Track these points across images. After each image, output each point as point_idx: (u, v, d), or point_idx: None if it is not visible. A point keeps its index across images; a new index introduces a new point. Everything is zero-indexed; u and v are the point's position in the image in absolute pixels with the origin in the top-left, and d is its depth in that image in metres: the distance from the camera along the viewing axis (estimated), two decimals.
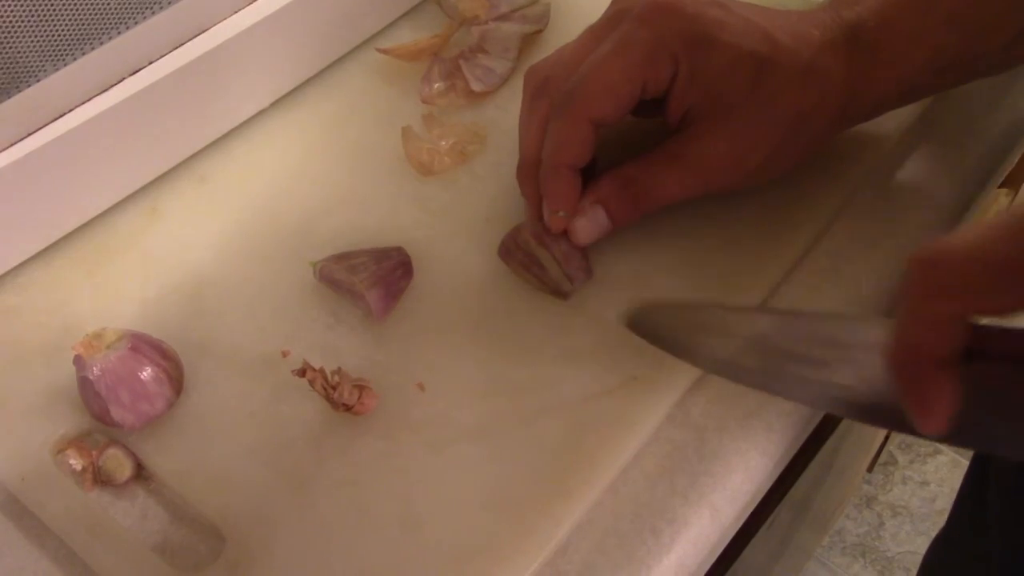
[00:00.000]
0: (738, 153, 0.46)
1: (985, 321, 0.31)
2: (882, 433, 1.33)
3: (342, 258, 0.49)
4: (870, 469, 1.51)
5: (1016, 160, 0.60)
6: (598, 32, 0.47)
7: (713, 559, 0.46)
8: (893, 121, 0.55)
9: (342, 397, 0.44)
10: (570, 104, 0.44)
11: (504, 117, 0.57)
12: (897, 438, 1.56)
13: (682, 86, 0.45)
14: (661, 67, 0.44)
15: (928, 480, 1.55)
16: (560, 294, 0.48)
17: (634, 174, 0.46)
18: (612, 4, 0.47)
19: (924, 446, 1.59)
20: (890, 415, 0.36)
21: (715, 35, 0.44)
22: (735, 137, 0.45)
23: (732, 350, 0.42)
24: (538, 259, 0.48)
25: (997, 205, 1.03)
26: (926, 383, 0.32)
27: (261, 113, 0.58)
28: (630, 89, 0.44)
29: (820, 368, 0.38)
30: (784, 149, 0.46)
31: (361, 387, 0.45)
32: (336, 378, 0.44)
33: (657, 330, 0.45)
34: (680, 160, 0.46)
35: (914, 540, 1.48)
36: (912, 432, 0.35)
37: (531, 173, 0.48)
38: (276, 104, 0.58)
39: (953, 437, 0.34)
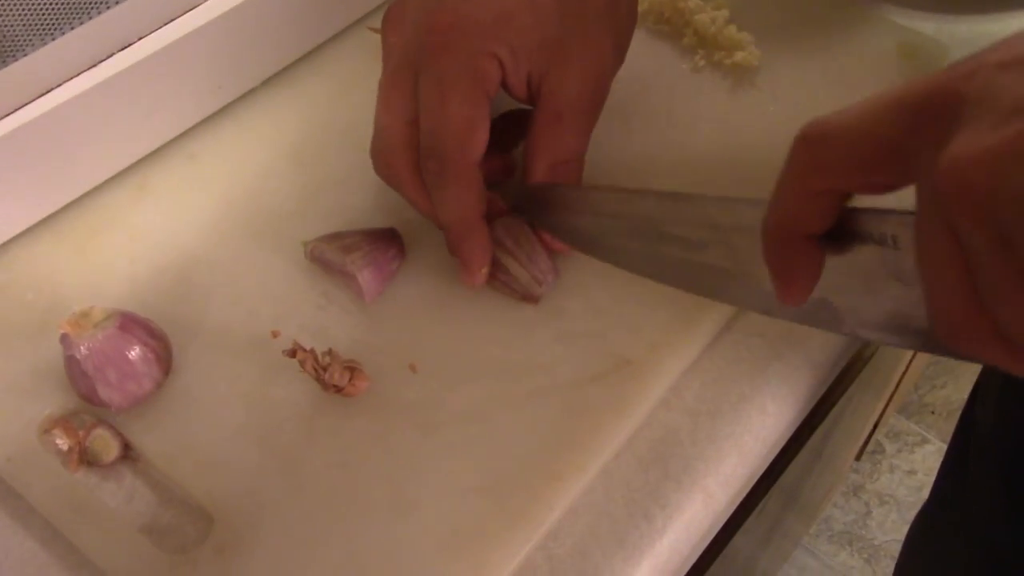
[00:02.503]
0: (595, 69, 0.46)
1: (857, 201, 0.32)
2: (871, 422, 1.33)
3: (334, 238, 0.48)
4: (858, 458, 1.52)
5: None
6: (400, 86, 0.45)
7: (706, 544, 0.46)
8: None
9: (333, 379, 0.43)
10: (448, 164, 0.44)
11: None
12: (885, 427, 1.56)
13: (511, 67, 0.45)
14: (491, 72, 0.44)
15: (915, 469, 1.55)
16: (530, 299, 0.47)
17: (548, 157, 0.46)
18: (386, 50, 0.47)
19: (912, 436, 1.59)
20: (761, 299, 0.37)
21: (499, 8, 0.43)
22: (582, 59, 0.45)
23: (615, 233, 0.42)
24: (504, 266, 0.47)
25: None
26: (795, 255, 0.33)
27: (252, 91, 0.57)
28: (483, 112, 0.44)
29: (697, 250, 0.39)
30: (619, 28, 0.47)
31: (352, 368, 0.44)
32: (327, 359, 0.44)
33: (535, 209, 0.46)
34: (562, 115, 0.46)
35: (901, 528, 1.49)
36: (772, 314, 0.36)
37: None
38: (267, 83, 0.57)
39: (809, 314, 0.35)
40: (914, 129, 0.29)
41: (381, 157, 0.47)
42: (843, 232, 0.33)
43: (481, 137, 0.44)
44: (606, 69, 0.47)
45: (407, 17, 0.45)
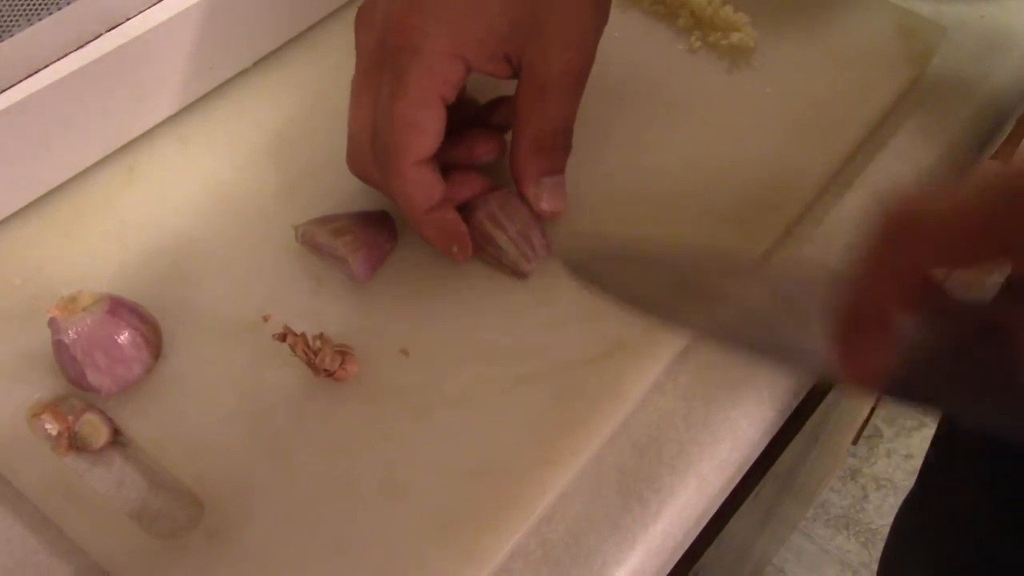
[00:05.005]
0: (576, 35, 0.45)
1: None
2: (868, 406, 1.33)
3: (325, 221, 0.48)
4: (855, 442, 1.52)
5: (1008, 132, 0.59)
6: (369, 89, 0.45)
7: (700, 528, 0.45)
8: (885, 91, 0.54)
9: (324, 363, 0.43)
10: (388, 163, 0.44)
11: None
12: (882, 411, 1.56)
13: (482, 60, 0.44)
14: (450, 75, 0.43)
15: (912, 453, 1.55)
16: (519, 274, 0.47)
17: (534, 129, 0.46)
18: (357, 51, 0.46)
19: (909, 419, 1.59)
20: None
21: (464, 2, 0.43)
22: (560, 27, 0.44)
23: (677, 298, 0.40)
24: (495, 240, 0.47)
25: None
26: (869, 338, 0.31)
27: (243, 73, 0.56)
28: (432, 115, 0.43)
29: (759, 317, 0.37)
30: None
31: (343, 353, 0.44)
32: (318, 343, 0.43)
33: (597, 278, 0.43)
34: (548, 85, 0.45)
35: None
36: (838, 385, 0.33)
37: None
38: (258, 64, 0.57)
39: (895, 392, 0.33)
40: (1019, 216, 0.27)
41: (354, 160, 0.47)
42: (934, 309, 0.31)
43: (425, 140, 0.43)
44: (588, 33, 0.45)
45: (377, 15, 0.45)
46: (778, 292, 0.37)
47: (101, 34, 0.48)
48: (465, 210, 0.47)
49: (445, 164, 0.46)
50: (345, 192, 0.51)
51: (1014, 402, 0.31)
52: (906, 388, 0.33)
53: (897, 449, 1.56)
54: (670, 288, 0.41)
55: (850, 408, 1.13)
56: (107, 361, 0.43)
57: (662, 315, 0.41)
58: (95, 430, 0.43)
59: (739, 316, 0.38)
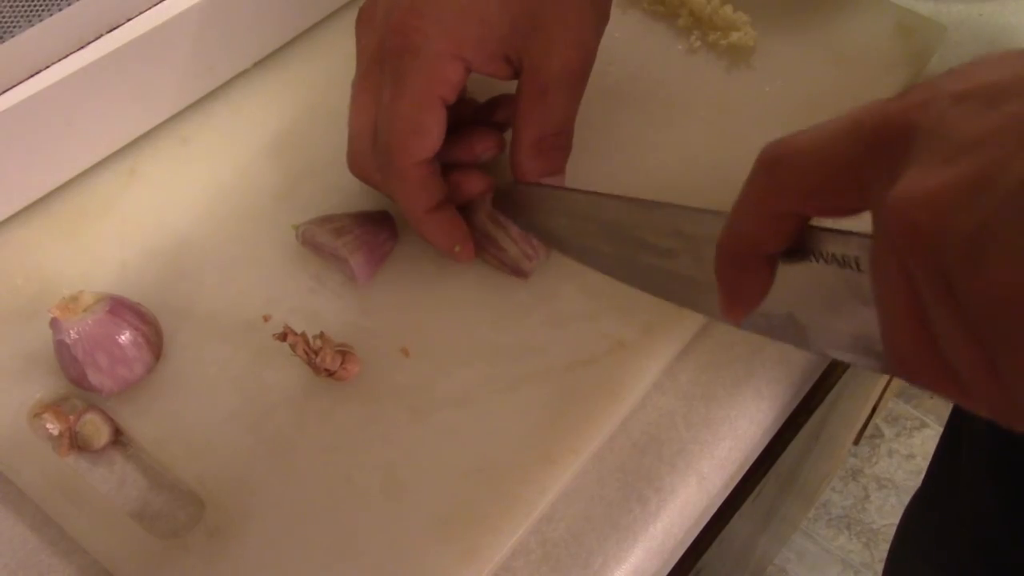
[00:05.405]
0: (576, 36, 0.45)
1: (818, 222, 0.32)
2: (869, 406, 1.33)
3: (326, 221, 0.48)
4: (856, 442, 1.52)
5: None
6: (369, 89, 0.45)
7: (700, 527, 0.45)
8: (884, 89, 0.54)
9: (324, 362, 0.43)
10: (390, 163, 0.44)
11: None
12: (883, 411, 1.56)
13: (482, 61, 0.44)
14: (450, 76, 0.43)
15: (914, 453, 1.55)
16: (520, 273, 0.47)
17: (535, 130, 0.46)
18: (358, 52, 0.46)
19: (911, 420, 1.59)
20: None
21: (463, 2, 0.43)
22: (561, 28, 0.44)
23: (588, 234, 0.42)
24: (496, 240, 0.47)
25: None
26: (743, 274, 0.33)
27: (244, 74, 0.56)
28: (433, 117, 0.44)
29: (667, 258, 0.39)
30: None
31: (344, 352, 0.44)
32: (318, 343, 0.43)
33: (519, 210, 0.46)
34: (549, 86, 0.45)
35: (899, 513, 1.48)
36: (740, 326, 0.35)
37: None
38: (259, 65, 0.57)
39: (777, 330, 0.35)
40: (868, 156, 0.28)
41: (354, 161, 0.47)
42: (807, 251, 0.33)
43: (426, 141, 0.43)
44: (588, 33, 0.45)
45: (377, 16, 0.45)
46: (684, 233, 0.38)
47: (102, 35, 0.48)
48: (466, 210, 0.47)
49: (445, 163, 0.46)
50: (345, 192, 0.51)
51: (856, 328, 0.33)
52: (770, 321, 0.35)
53: (899, 449, 1.56)
54: (590, 235, 0.42)
55: (851, 408, 1.13)
56: (108, 361, 0.43)
57: (578, 255, 0.43)
58: (96, 430, 0.43)
59: (653, 260, 0.40)
